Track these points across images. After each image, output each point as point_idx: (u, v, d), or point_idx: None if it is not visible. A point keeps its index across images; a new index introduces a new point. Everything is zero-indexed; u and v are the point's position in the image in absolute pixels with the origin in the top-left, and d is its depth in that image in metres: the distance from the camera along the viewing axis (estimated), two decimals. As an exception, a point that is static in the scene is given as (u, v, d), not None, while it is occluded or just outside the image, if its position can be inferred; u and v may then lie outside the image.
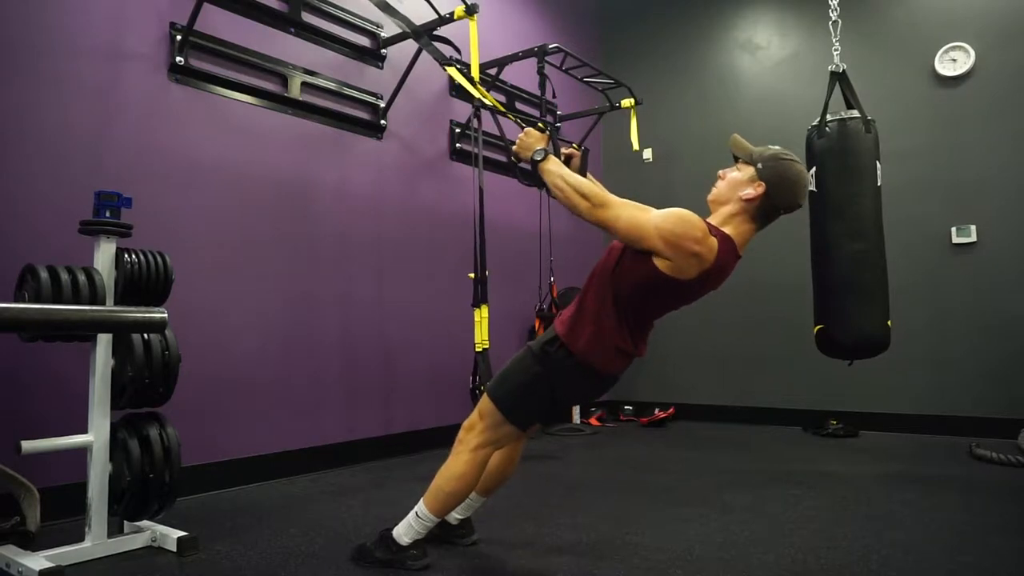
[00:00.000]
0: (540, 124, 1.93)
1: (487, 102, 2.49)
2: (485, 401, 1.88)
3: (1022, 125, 4.04)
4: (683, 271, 1.65)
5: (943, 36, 4.29)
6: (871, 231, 3.00)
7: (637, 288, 1.73)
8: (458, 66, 2.90)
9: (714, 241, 1.66)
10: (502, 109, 2.48)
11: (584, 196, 1.70)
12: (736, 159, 1.81)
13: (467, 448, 1.87)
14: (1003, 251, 4.05)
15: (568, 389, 1.87)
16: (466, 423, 1.92)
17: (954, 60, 4.25)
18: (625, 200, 1.73)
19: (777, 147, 1.79)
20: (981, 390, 4.05)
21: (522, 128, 1.92)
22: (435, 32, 3.32)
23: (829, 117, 3.07)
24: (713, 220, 1.75)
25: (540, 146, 1.83)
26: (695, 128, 5.23)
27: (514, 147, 1.90)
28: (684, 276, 1.66)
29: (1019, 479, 2.97)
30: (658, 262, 1.66)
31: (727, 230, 1.73)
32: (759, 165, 1.74)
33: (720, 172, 1.82)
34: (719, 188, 1.80)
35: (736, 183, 1.76)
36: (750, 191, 1.73)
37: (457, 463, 1.87)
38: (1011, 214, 4.04)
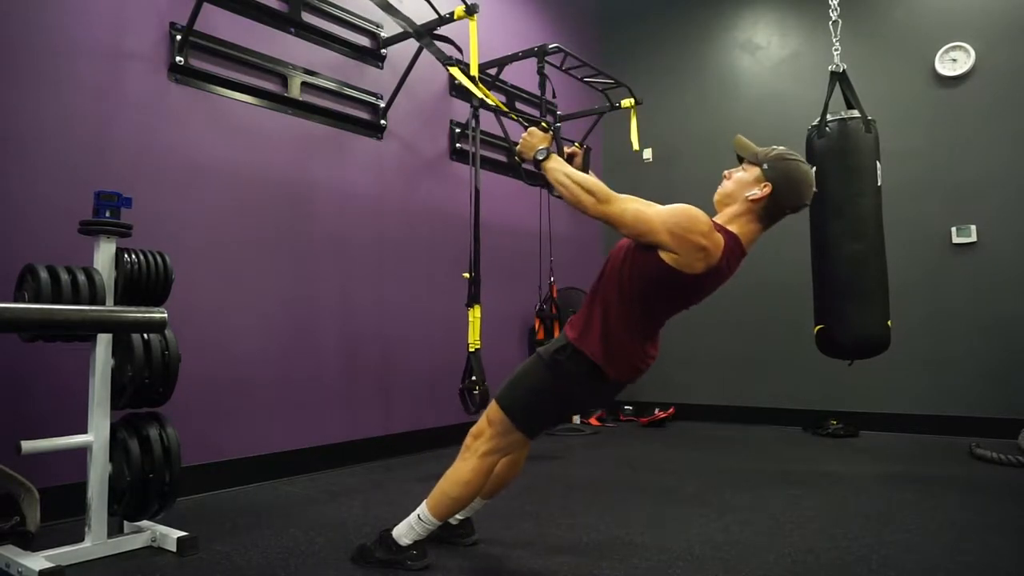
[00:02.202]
0: (543, 123, 1.94)
1: (490, 102, 2.49)
2: (494, 408, 1.87)
3: (1022, 125, 4.04)
4: (690, 266, 1.65)
5: (943, 36, 4.29)
6: (871, 231, 3.01)
7: (645, 285, 1.73)
8: (461, 66, 2.90)
9: (720, 237, 1.67)
10: (504, 109, 2.48)
11: (590, 192, 1.70)
12: (741, 160, 1.82)
13: (475, 455, 1.86)
14: (1003, 251, 4.05)
15: (579, 396, 1.87)
16: (474, 429, 1.91)
17: (954, 60, 4.25)
18: (629, 196, 1.73)
19: (782, 147, 1.80)
20: (981, 390, 4.05)
21: (525, 128, 1.93)
22: (436, 31, 3.32)
23: (829, 117, 3.07)
24: (719, 219, 1.76)
25: (543, 145, 1.84)
26: (695, 128, 5.23)
27: (517, 147, 1.91)
28: (691, 271, 1.66)
29: (1019, 479, 2.97)
30: (665, 256, 1.66)
31: (733, 229, 1.74)
32: (765, 166, 1.75)
33: (726, 172, 1.83)
34: (725, 188, 1.80)
35: (742, 183, 1.77)
36: (756, 192, 1.74)
37: (464, 469, 1.87)
38: (1011, 214, 4.04)
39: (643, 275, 1.72)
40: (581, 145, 2.01)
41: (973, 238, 4.14)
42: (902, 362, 4.00)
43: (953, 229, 4.20)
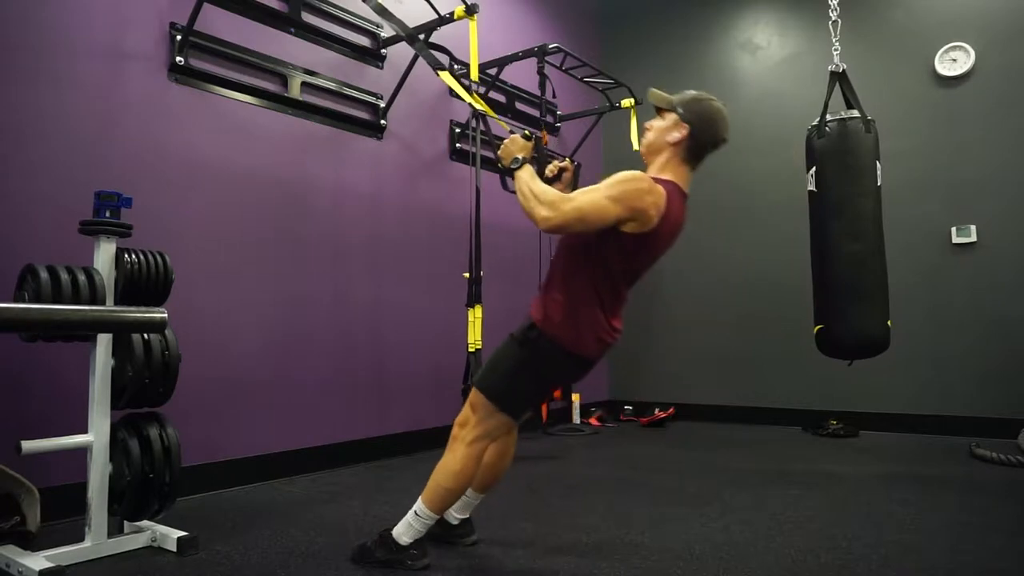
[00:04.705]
0: (526, 132, 1.97)
1: (477, 107, 2.51)
2: (475, 394, 1.90)
3: (1022, 125, 4.04)
4: (646, 223, 1.74)
5: (943, 36, 4.29)
6: (871, 231, 3.00)
7: (607, 259, 1.80)
8: (456, 67, 2.90)
9: (660, 188, 1.77)
10: (493, 114, 2.50)
11: (545, 204, 1.74)
12: (658, 110, 1.91)
13: (463, 443, 1.89)
14: (1003, 251, 4.05)
15: (552, 372, 1.90)
16: (459, 419, 1.94)
17: (954, 60, 4.25)
18: (574, 193, 1.78)
19: (693, 91, 1.91)
20: (981, 390, 4.05)
21: (510, 133, 1.96)
22: (434, 33, 3.33)
23: (829, 117, 3.07)
24: (651, 172, 1.87)
25: (521, 155, 1.89)
26: (695, 128, 5.22)
27: (499, 151, 1.95)
28: (649, 226, 1.75)
29: (1019, 479, 2.97)
30: (624, 228, 1.74)
31: (667, 176, 1.85)
32: (680, 109, 1.86)
33: (646, 124, 1.94)
34: (648, 138, 1.92)
35: (662, 130, 1.88)
36: (676, 134, 1.85)
37: (454, 459, 1.89)
38: (1011, 214, 4.04)
39: (605, 249, 1.79)
40: (572, 161, 2.03)
41: (973, 238, 4.14)
42: (902, 362, 4.00)
43: (953, 229, 4.20)
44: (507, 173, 1.89)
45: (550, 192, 1.77)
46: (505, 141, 1.93)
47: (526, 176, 1.82)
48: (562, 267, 1.87)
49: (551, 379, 1.93)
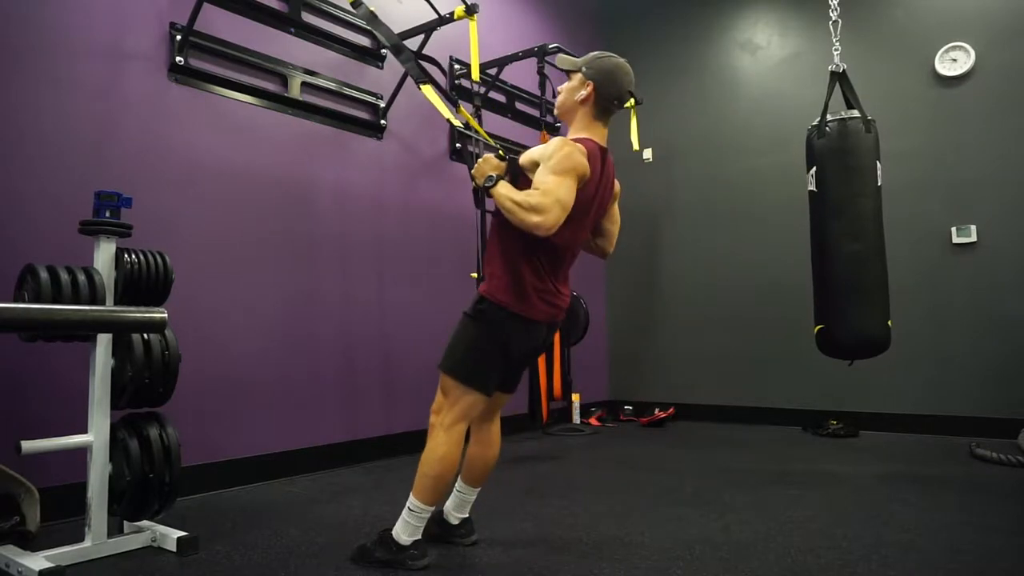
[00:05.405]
0: (500, 152, 2.01)
1: (458, 123, 2.54)
2: (443, 378, 1.96)
3: (1022, 125, 4.04)
4: (584, 184, 1.85)
5: (943, 36, 4.29)
6: (871, 231, 3.00)
7: None
8: (456, 68, 2.88)
9: (581, 145, 1.86)
10: (478, 127, 2.52)
11: (532, 209, 1.76)
12: (567, 73, 2.01)
13: (441, 428, 1.92)
14: (1003, 251, 4.05)
15: (509, 340, 1.92)
16: (433, 407, 1.98)
17: (954, 60, 4.25)
18: (539, 183, 1.81)
19: (597, 51, 2.02)
20: (981, 390, 4.05)
21: (495, 147, 2.00)
22: (434, 33, 3.32)
23: (829, 117, 3.07)
24: (571, 135, 1.96)
25: (495, 173, 1.92)
26: (695, 128, 5.23)
27: (472, 170, 1.99)
28: (583, 186, 1.85)
29: (1019, 479, 2.97)
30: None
31: (584, 135, 1.94)
32: (583, 68, 1.97)
33: (558, 88, 2.06)
34: (559, 100, 2.02)
35: (570, 90, 1.99)
36: (583, 92, 1.95)
37: (436, 445, 1.92)
38: (1011, 214, 4.04)
39: None
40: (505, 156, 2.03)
41: (973, 238, 4.14)
42: (902, 362, 3.99)
43: (953, 229, 4.19)
44: (482, 192, 1.91)
45: (531, 197, 1.78)
46: (478, 161, 1.97)
47: (504, 191, 1.84)
48: (498, 241, 1.95)
49: (510, 348, 1.93)
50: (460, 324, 1.97)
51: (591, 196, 1.91)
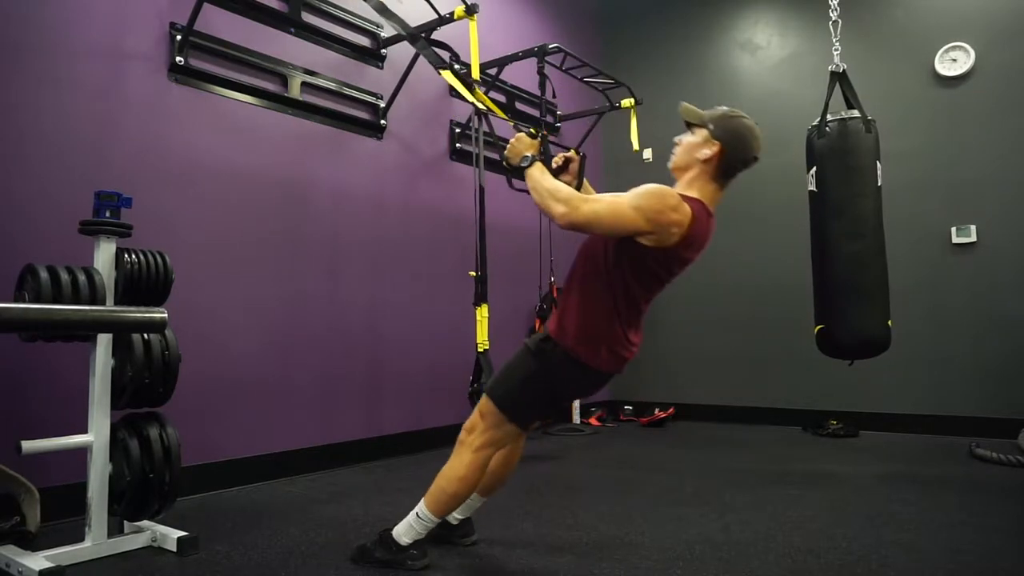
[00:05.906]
0: (532, 130, 1.95)
1: (481, 106, 2.49)
2: (485, 401, 1.88)
3: (1022, 125, 4.04)
4: (665, 240, 1.71)
5: (943, 36, 4.29)
6: (871, 231, 3.00)
7: (627, 269, 1.77)
8: (456, 67, 2.89)
9: (687, 207, 1.71)
10: (501, 113, 2.48)
11: (561, 201, 1.73)
12: (689, 125, 1.87)
13: (469, 449, 1.87)
14: (1003, 251, 4.05)
15: (565, 385, 1.88)
16: (467, 424, 1.92)
17: (954, 60, 4.25)
18: (595, 195, 1.77)
19: (725, 107, 1.86)
20: (981, 390, 4.05)
21: (520, 131, 1.94)
22: (434, 33, 3.32)
23: (829, 117, 3.07)
24: (679, 188, 1.81)
25: (529, 152, 1.87)
26: (695, 128, 5.22)
27: (505, 151, 1.93)
28: (667, 244, 1.72)
29: (1019, 479, 2.97)
30: (642, 240, 1.71)
31: (693, 194, 1.78)
32: (711, 126, 1.80)
33: (676, 139, 1.88)
34: (677, 154, 1.86)
35: (692, 146, 1.82)
36: (707, 151, 1.79)
37: (459, 464, 1.87)
38: (1011, 214, 4.04)
39: (623, 261, 1.76)
40: (578, 152, 2.02)
41: (973, 238, 4.14)
42: (902, 362, 3.99)
43: (953, 229, 4.19)
44: (516, 172, 1.87)
45: (565, 189, 1.76)
46: (511, 140, 1.91)
47: (537, 173, 1.81)
48: (580, 277, 1.85)
49: (563, 392, 1.91)
50: (518, 356, 1.88)
51: (684, 257, 1.78)
